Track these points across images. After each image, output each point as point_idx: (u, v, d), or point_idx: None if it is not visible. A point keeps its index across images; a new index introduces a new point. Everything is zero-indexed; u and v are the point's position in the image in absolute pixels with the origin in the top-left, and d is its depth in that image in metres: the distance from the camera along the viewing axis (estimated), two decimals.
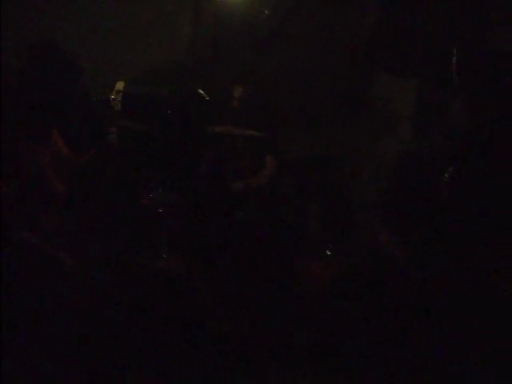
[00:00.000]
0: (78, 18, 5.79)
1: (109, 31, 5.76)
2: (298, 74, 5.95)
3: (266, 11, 6.00)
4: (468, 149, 3.71)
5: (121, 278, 4.16)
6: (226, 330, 4.09)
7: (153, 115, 5.15)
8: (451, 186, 3.55)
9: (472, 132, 3.77)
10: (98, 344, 3.57)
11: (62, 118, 4.00)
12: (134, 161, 4.90)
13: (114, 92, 4.38)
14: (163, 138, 4.99)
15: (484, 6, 4.52)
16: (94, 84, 4.69)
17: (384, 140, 5.92)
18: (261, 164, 5.25)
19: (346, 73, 5.95)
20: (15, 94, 3.87)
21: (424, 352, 3.54)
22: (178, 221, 4.77)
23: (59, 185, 3.91)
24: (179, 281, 4.39)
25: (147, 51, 5.87)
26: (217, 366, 3.82)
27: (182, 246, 4.66)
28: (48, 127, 3.91)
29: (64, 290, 3.59)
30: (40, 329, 3.45)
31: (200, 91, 4.45)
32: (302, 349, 4.00)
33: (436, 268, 3.60)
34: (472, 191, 3.53)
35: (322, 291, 4.36)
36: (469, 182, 3.57)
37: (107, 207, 4.43)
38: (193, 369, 3.80)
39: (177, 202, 4.83)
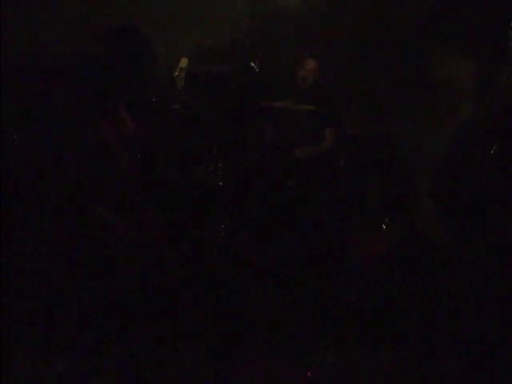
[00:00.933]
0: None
1: (168, 10, 5.88)
2: (358, 51, 5.97)
3: None
4: None
5: (179, 248, 4.28)
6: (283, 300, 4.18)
7: (214, 92, 5.26)
8: (497, 160, 3.54)
9: None
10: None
11: (130, 94, 4.12)
12: (195, 135, 5.02)
13: (178, 69, 4.49)
14: (223, 113, 5.10)
15: None
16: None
17: (446, 117, 5.89)
18: (321, 137, 5.29)
19: (407, 50, 5.93)
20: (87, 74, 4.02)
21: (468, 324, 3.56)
22: (236, 193, 4.88)
23: (124, 157, 4.04)
24: (235, 252, 4.50)
25: (206, 29, 5.96)
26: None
27: (239, 218, 4.77)
28: (116, 104, 4.04)
29: (119, 256, 3.75)
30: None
31: (252, 64, 4.51)
32: (360, 316, 4.05)
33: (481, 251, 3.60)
34: None
35: (377, 264, 4.40)
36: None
37: (168, 180, 4.55)
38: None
39: (235, 175, 4.94)
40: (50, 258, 3.69)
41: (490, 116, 3.88)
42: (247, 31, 5.91)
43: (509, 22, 3.98)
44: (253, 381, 3.49)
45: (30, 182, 3.82)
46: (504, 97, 3.93)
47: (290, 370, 3.55)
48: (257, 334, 3.84)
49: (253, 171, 4.93)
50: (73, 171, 3.79)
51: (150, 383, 3.42)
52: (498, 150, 3.53)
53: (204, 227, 4.64)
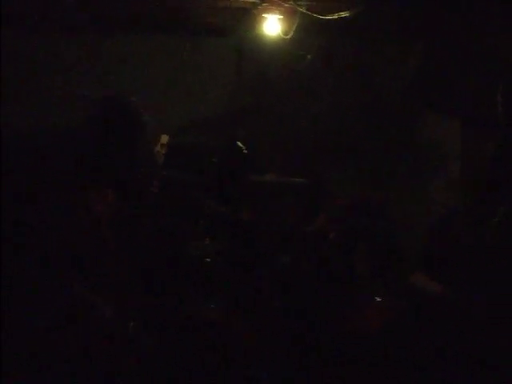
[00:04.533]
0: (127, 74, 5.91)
1: (154, 82, 5.85)
2: (342, 117, 5.94)
3: (309, 56, 6.02)
4: None
5: (169, 329, 4.14)
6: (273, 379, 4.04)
7: (197, 165, 5.18)
8: (502, 227, 3.41)
9: None
10: None
11: (116, 169, 3.99)
12: (181, 210, 4.92)
13: (159, 145, 4.41)
14: (208, 187, 5.01)
15: None
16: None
17: (433, 179, 5.84)
18: (312, 210, 5.19)
19: (393, 112, 5.91)
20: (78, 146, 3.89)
21: None
22: (225, 270, 4.75)
23: (109, 236, 3.88)
24: (227, 331, 4.35)
25: (192, 101, 5.93)
26: None
27: (230, 295, 4.62)
28: (102, 181, 3.91)
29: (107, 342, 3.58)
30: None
31: (239, 143, 4.44)
32: None
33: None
34: None
35: (375, 338, 4.26)
36: None
37: (154, 257, 4.42)
38: None
39: (224, 251, 4.81)
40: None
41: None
42: (231, 103, 5.90)
43: (498, 85, 3.92)
44: None
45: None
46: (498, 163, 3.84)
47: None
48: None
49: (243, 247, 4.81)
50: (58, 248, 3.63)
51: None
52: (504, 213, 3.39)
53: (192, 306, 4.49)
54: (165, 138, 4.34)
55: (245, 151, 4.44)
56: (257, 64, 6.02)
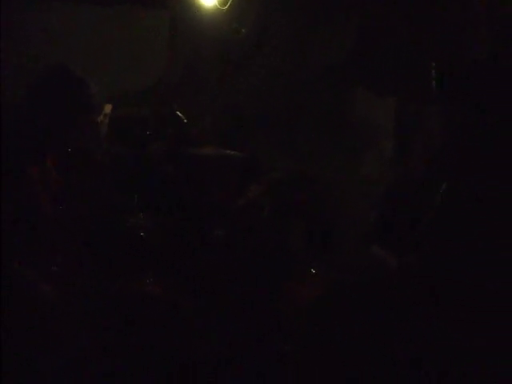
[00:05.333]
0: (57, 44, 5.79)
1: (84, 53, 5.73)
2: (276, 92, 5.93)
3: (244, 29, 5.98)
4: (456, 163, 3.66)
5: (104, 304, 4.08)
6: (212, 353, 4.03)
7: (133, 137, 5.11)
8: (444, 201, 3.46)
9: (457, 145, 3.72)
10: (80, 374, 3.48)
11: (58, 141, 3.88)
12: (114, 184, 4.84)
13: (103, 115, 4.33)
14: (143, 160, 4.94)
15: (460, 16, 4.53)
16: None
17: (366, 155, 5.90)
18: (246, 182, 5.19)
19: (326, 89, 5.93)
20: (19, 119, 3.76)
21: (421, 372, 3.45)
22: (160, 244, 4.70)
23: (48, 207, 3.78)
24: (165, 305, 4.32)
25: (124, 73, 5.83)
26: None
27: (166, 270, 4.59)
28: (45, 153, 3.80)
29: (46, 318, 3.50)
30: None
31: (178, 113, 4.39)
32: (291, 372, 3.94)
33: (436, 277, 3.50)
34: (465, 206, 3.46)
35: (308, 310, 4.29)
36: (462, 197, 3.49)
37: (88, 232, 4.34)
38: None
39: (158, 225, 4.77)
40: None
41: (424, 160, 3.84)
42: (164, 75, 5.82)
43: (431, 61, 3.98)
44: None
45: None
46: (432, 138, 3.91)
47: None
48: None
49: (177, 221, 4.77)
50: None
51: None
52: (446, 191, 3.43)
53: (128, 281, 4.43)
54: (108, 108, 4.26)
55: (185, 121, 4.39)
56: (192, 35, 5.94)
